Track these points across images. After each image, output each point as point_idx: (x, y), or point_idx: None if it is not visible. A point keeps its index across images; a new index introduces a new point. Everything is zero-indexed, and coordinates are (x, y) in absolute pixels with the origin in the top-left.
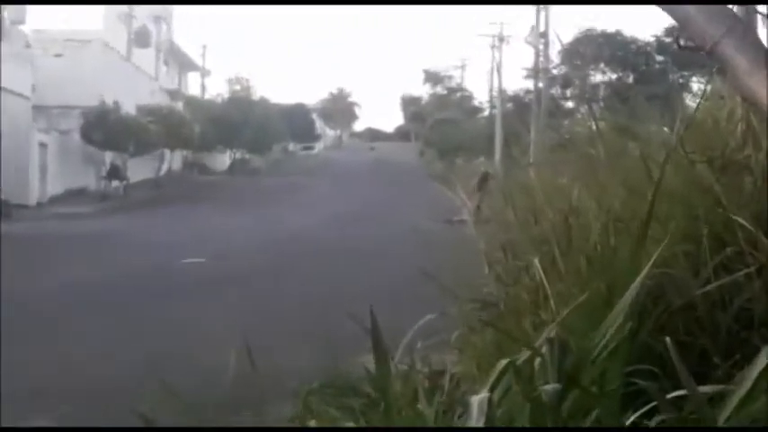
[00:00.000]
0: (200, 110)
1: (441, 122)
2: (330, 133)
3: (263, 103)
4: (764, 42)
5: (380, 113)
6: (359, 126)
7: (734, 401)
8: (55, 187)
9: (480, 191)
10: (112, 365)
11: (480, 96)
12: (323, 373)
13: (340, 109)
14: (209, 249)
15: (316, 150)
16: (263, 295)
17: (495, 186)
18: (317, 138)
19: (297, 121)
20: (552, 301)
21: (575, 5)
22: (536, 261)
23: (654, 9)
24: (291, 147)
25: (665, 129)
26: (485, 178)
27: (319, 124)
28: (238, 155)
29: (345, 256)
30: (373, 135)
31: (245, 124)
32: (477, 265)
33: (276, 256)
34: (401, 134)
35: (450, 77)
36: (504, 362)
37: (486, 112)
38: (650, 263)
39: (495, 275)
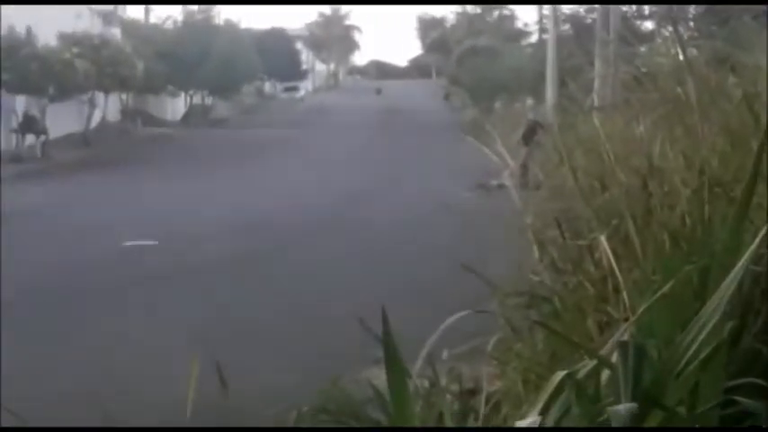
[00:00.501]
0: (145, 39)
1: (472, 53)
2: (321, 69)
3: (230, 29)
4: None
5: (390, 41)
6: (361, 59)
7: None
8: None
9: (527, 146)
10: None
11: (526, 16)
12: (317, 394)
13: (334, 36)
14: (159, 229)
15: (302, 93)
16: (236, 294)
17: (547, 140)
18: (303, 75)
19: (276, 53)
20: (625, 294)
21: None
22: (603, 240)
23: None
24: (269, 88)
25: None
26: (533, 129)
27: (307, 57)
28: (197, 99)
29: (345, 238)
30: (381, 71)
31: (205, 58)
32: (524, 246)
33: (253, 239)
34: (418, 69)
35: None
36: (560, 375)
37: (535, 38)
38: (757, 240)
39: (549, 260)
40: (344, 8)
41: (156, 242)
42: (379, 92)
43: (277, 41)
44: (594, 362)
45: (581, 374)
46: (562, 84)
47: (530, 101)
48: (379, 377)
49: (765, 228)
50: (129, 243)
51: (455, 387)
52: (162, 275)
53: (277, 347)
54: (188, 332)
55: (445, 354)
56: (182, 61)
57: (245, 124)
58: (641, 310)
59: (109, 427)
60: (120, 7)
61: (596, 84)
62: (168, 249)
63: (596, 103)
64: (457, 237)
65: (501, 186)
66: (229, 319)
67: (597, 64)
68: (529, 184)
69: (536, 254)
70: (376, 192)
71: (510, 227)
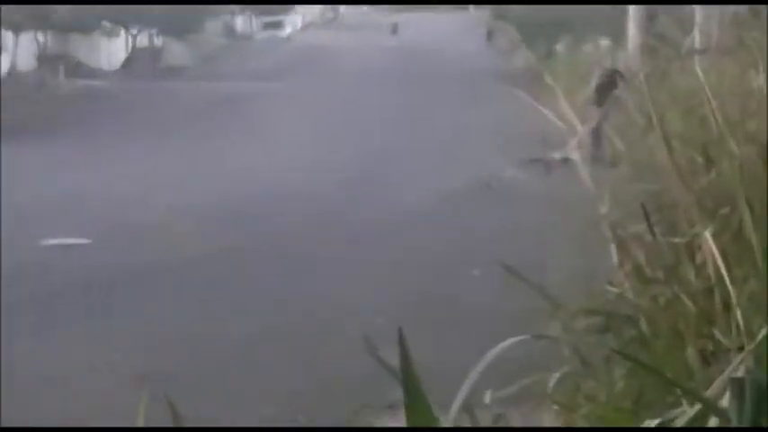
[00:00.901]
0: None
1: None
2: None
3: None
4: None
5: None
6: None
7: None
8: None
9: (601, 105)
10: None
11: None
12: None
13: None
14: (91, 222)
15: (288, 30)
16: (193, 312)
17: (629, 96)
18: (288, 6)
19: None
20: (738, 312)
21: None
22: (708, 236)
23: None
24: (242, 24)
25: None
26: (609, 82)
27: None
28: (142, 40)
29: (345, 238)
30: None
31: None
32: (597, 245)
33: (216, 237)
34: None
35: None
36: (651, 425)
37: None
38: None
39: (632, 265)
40: None
41: (88, 240)
42: (395, 29)
43: None
44: (698, 406)
45: (679, 423)
46: (651, 19)
47: (605, 42)
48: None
49: None
50: (50, 242)
51: None
52: (93, 285)
53: (249, 395)
54: (121, 364)
55: (488, 396)
56: None
57: (209, 74)
58: (762, 335)
59: (110, 428)
60: None
61: (698, 18)
62: (103, 250)
63: (698, 44)
64: (502, 231)
65: (565, 161)
66: (180, 348)
67: None
68: (603, 157)
69: (614, 256)
70: (389, 171)
71: (577, 218)
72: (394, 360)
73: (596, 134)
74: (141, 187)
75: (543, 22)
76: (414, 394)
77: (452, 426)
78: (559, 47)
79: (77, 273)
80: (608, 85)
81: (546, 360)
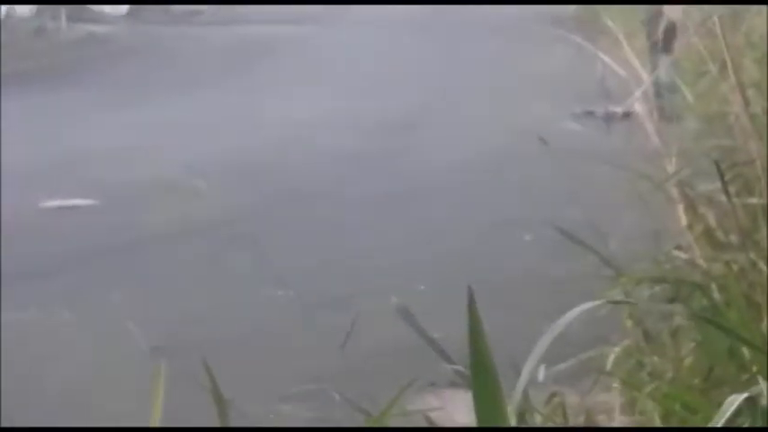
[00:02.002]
0: None
1: None
2: None
3: None
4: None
5: None
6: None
7: None
8: None
9: (666, 51)
10: None
11: None
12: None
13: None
14: (96, 183)
15: None
16: (213, 281)
17: (696, 41)
18: None
19: None
20: None
21: None
22: None
23: None
24: None
25: None
26: (673, 25)
27: None
28: None
29: (395, 195)
30: None
31: None
32: (663, 207)
33: (237, 195)
34: None
35: None
36: (735, 400)
37: None
38: None
39: (702, 228)
40: None
41: (93, 201)
42: None
43: None
44: None
45: (759, 403)
46: None
47: None
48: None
49: None
50: (50, 203)
51: (558, 423)
52: (98, 251)
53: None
54: (135, 335)
55: (542, 373)
56: None
57: (227, 19)
58: None
59: (112, 427)
60: None
61: None
62: (109, 212)
63: None
64: (557, 190)
65: (627, 114)
66: (199, 321)
67: None
68: (670, 109)
69: (682, 219)
70: (431, 123)
71: (642, 177)
72: (436, 333)
73: (661, 84)
74: (152, 142)
75: None
76: (482, 368)
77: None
78: None
79: (81, 238)
80: (672, 30)
81: (606, 332)
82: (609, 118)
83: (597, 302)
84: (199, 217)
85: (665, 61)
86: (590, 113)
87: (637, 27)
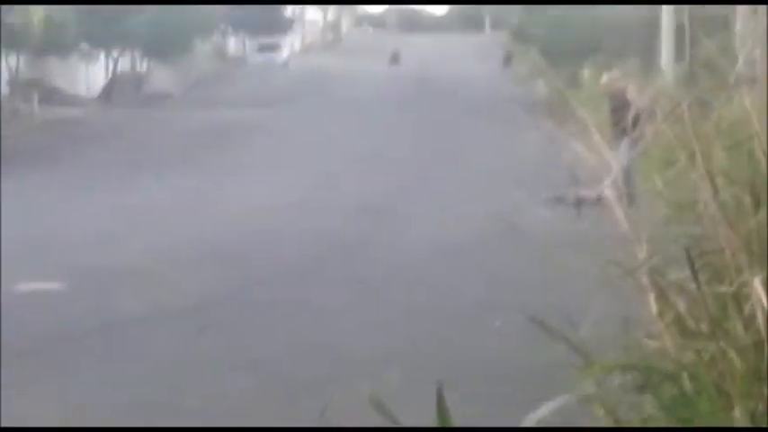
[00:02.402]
0: None
1: None
2: (315, 18)
3: None
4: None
5: None
6: (375, 3)
7: None
8: None
9: (632, 137)
10: None
11: None
12: None
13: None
14: (66, 265)
15: (285, 54)
16: (176, 372)
17: (666, 128)
18: (286, 27)
19: None
20: None
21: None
22: (758, 284)
23: None
24: (234, 46)
25: None
26: (638, 113)
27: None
28: (124, 64)
29: (363, 280)
30: (406, 21)
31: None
32: (634, 293)
33: (204, 282)
34: (464, 19)
35: None
36: None
37: None
38: None
39: (673, 316)
40: None
41: (65, 285)
42: (395, 59)
43: None
44: None
45: None
46: (693, 42)
47: (635, 66)
48: None
49: None
50: (22, 287)
51: None
52: (68, 336)
53: None
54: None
55: None
56: (102, 5)
57: (198, 102)
58: None
59: (117, 428)
60: None
61: (738, 40)
62: (81, 296)
63: (744, 71)
64: (528, 276)
65: (596, 199)
66: (158, 412)
67: (740, 10)
68: (638, 195)
69: (653, 307)
70: (399, 208)
71: (612, 263)
72: (407, 420)
73: (630, 170)
74: (124, 226)
75: (567, 44)
76: None
77: None
78: (585, 72)
79: (52, 321)
80: (622, 109)
81: (577, 420)
82: (579, 203)
83: (567, 396)
84: (169, 302)
85: (631, 148)
86: (560, 199)
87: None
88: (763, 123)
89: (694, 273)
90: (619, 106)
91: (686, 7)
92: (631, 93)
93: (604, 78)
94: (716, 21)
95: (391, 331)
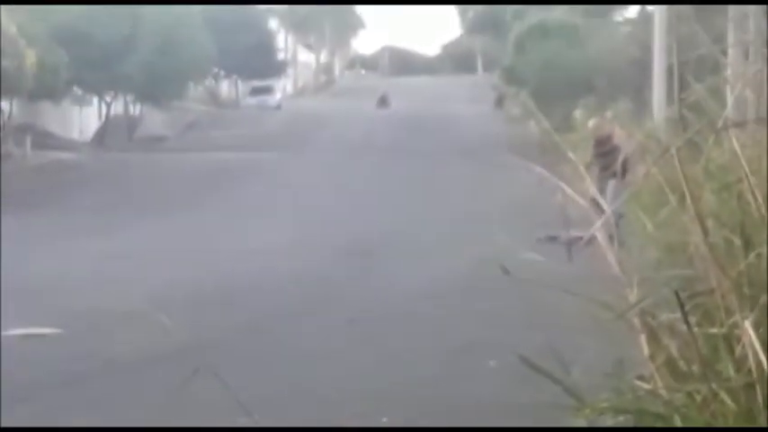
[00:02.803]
0: (38, 15)
1: (540, 33)
2: (308, 60)
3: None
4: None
5: (412, 18)
6: (367, 44)
7: None
8: None
9: (620, 180)
10: None
11: None
12: None
13: (327, 10)
14: (61, 311)
15: (278, 96)
16: (170, 415)
17: (655, 170)
18: (279, 70)
19: (238, 37)
20: None
21: None
22: (749, 326)
23: None
24: (227, 89)
25: None
26: (610, 149)
27: (286, 41)
28: (117, 108)
29: (354, 324)
30: (398, 63)
31: (130, 44)
32: (625, 335)
33: (203, 324)
34: (456, 60)
35: None
36: None
37: (635, 11)
38: None
39: (664, 358)
40: None
41: (58, 330)
42: (383, 102)
43: (241, 19)
44: None
45: None
46: (679, 86)
47: (625, 106)
48: None
49: None
50: (15, 332)
51: None
52: (61, 381)
53: None
54: None
55: None
56: (95, 49)
57: (191, 145)
58: None
59: (110, 428)
60: None
61: (730, 85)
62: (74, 341)
63: (733, 114)
64: (519, 320)
65: (588, 241)
66: None
67: (731, 53)
68: (629, 240)
69: (644, 348)
70: (389, 253)
71: (603, 305)
72: None
73: (621, 213)
74: (117, 270)
75: (558, 86)
76: None
77: None
78: (577, 113)
79: (45, 366)
80: (609, 153)
81: None
82: (570, 244)
83: None
84: (162, 346)
85: (618, 190)
86: (552, 239)
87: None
88: (755, 165)
89: (684, 315)
90: (606, 151)
91: (675, 48)
92: (618, 137)
93: (591, 123)
94: (705, 63)
95: (385, 373)
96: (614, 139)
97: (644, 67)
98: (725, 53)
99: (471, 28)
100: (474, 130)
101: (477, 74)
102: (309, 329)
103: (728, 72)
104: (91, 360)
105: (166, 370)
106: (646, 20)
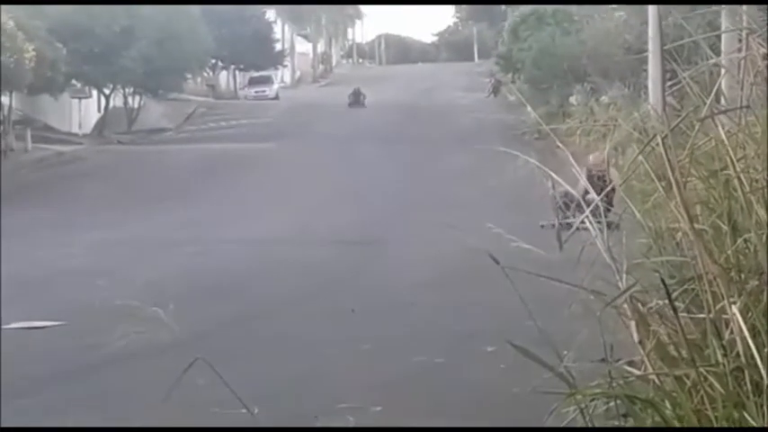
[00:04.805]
0: (37, 10)
1: (535, 20)
2: (305, 50)
3: None
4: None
5: (408, 6)
6: (364, 33)
7: None
8: None
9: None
10: None
11: None
12: None
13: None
14: (62, 304)
15: (276, 87)
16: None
17: (649, 157)
18: (277, 60)
19: (236, 28)
20: None
21: None
22: (736, 311)
23: None
24: (225, 81)
25: None
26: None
27: (283, 32)
28: (117, 101)
29: (352, 312)
30: (395, 51)
31: (129, 37)
32: (614, 321)
33: (204, 315)
34: (452, 48)
35: None
36: None
37: None
38: None
39: (653, 343)
40: None
41: (59, 322)
42: (356, 98)
43: (238, 10)
44: None
45: None
46: (674, 72)
47: (622, 91)
48: None
49: None
50: (16, 324)
51: None
52: (62, 373)
53: None
54: None
55: None
56: (93, 43)
57: (190, 137)
58: None
59: (110, 428)
60: None
61: (724, 72)
62: (74, 333)
63: (723, 101)
64: (511, 307)
65: (579, 228)
66: None
67: (724, 41)
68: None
69: (634, 334)
70: (386, 241)
71: (593, 291)
72: None
73: (609, 197)
74: (117, 262)
75: (554, 72)
76: None
77: None
78: (573, 99)
79: (45, 359)
80: (600, 183)
81: None
82: (562, 232)
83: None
84: (162, 338)
85: (613, 173)
86: (544, 227)
87: (594, 139)
88: (741, 152)
89: (671, 302)
90: (597, 183)
91: (661, 37)
92: (612, 175)
93: (590, 159)
94: (699, 49)
95: (384, 360)
96: (608, 176)
97: (639, 52)
98: (719, 39)
99: (467, 16)
100: (471, 116)
101: (473, 61)
102: (310, 317)
103: (722, 58)
104: (90, 352)
105: (166, 361)
106: (641, 7)
